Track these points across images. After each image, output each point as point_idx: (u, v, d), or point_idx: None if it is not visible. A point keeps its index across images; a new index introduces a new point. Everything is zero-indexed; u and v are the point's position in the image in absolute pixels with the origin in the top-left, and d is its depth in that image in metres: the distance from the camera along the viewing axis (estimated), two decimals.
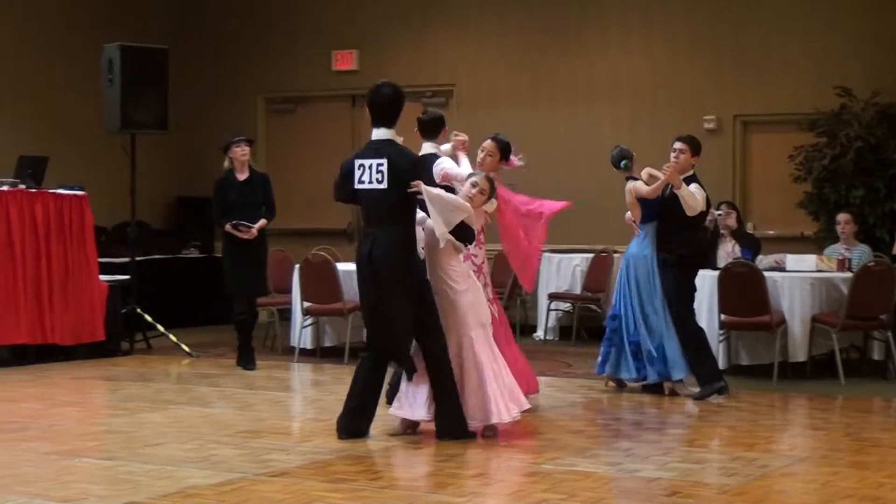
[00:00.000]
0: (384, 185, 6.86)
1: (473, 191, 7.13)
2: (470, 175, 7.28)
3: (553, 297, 12.37)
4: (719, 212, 10.18)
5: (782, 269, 9.87)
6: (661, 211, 8.63)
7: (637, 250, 8.75)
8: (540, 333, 12.47)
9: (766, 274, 9.48)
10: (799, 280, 9.55)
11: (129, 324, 11.31)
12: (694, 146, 8.67)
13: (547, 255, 12.63)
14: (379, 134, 6.98)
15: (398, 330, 6.85)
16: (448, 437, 6.88)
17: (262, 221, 10.11)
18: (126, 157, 11.38)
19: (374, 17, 14.31)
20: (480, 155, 7.77)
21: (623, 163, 8.73)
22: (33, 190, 10.56)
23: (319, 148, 14.14)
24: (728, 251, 10.23)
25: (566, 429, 7.44)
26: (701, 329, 8.82)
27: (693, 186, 8.55)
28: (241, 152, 10.10)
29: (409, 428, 7.12)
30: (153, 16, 14.70)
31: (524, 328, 12.33)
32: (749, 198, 12.78)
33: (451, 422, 6.91)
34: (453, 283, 6.97)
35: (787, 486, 6.02)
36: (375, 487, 5.85)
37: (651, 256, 8.68)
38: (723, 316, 9.43)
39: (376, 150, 6.93)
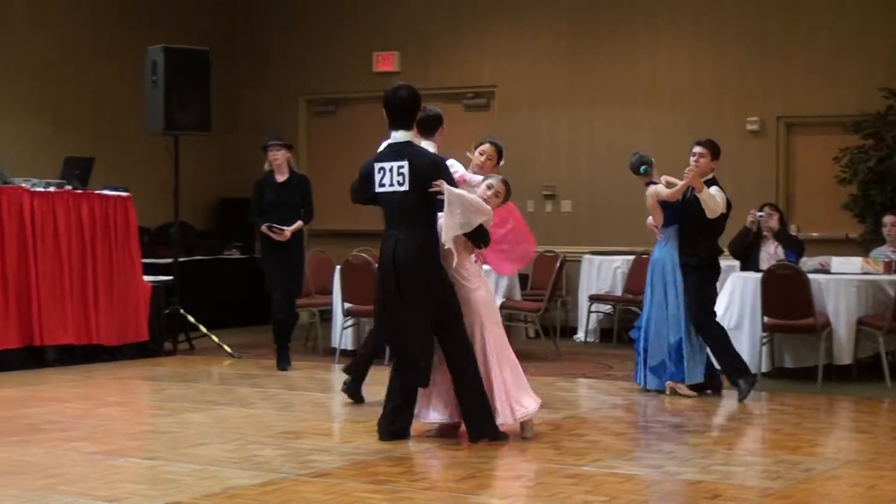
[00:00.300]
0: (405, 187, 6.85)
1: (489, 192, 7.12)
2: (485, 177, 7.28)
3: (594, 298, 12.33)
4: (761, 213, 10.13)
5: (827, 272, 9.79)
6: (682, 214, 8.65)
7: (660, 255, 8.82)
8: (581, 335, 12.45)
9: (811, 276, 9.40)
10: (844, 282, 9.47)
11: (172, 324, 11.39)
12: (713, 150, 8.74)
13: (588, 256, 12.63)
14: (398, 136, 6.98)
15: (416, 346, 6.79)
16: (480, 439, 6.84)
17: (298, 223, 10.14)
18: (169, 159, 11.48)
19: (415, 18, 14.33)
20: (481, 158, 7.76)
21: (642, 168, 8.82)
22: (79, 191, 10.66)
23: (360, 149, 13.97)
24: (770, 253, 10.16)
25: (607, 431, 7.41)
26: (723, 328, 8.86)
27: (713, 189, 8.60)
28: (273, 157, 10.16)
29: (448, 431, 7.09)
30: (196, 18, 14.81)
31: (564, 330, 12.31)
32: (793, 200, 12.67)
33: (482, 424, 6.87)
34: (465, 281, 6.95)
35: (831, 490, 5.97)
36: (417, 489, 5.85)
37: (673, 260, 8.71)
38: (766, 318, 9.37)
39: (396, 152, 6.93)
